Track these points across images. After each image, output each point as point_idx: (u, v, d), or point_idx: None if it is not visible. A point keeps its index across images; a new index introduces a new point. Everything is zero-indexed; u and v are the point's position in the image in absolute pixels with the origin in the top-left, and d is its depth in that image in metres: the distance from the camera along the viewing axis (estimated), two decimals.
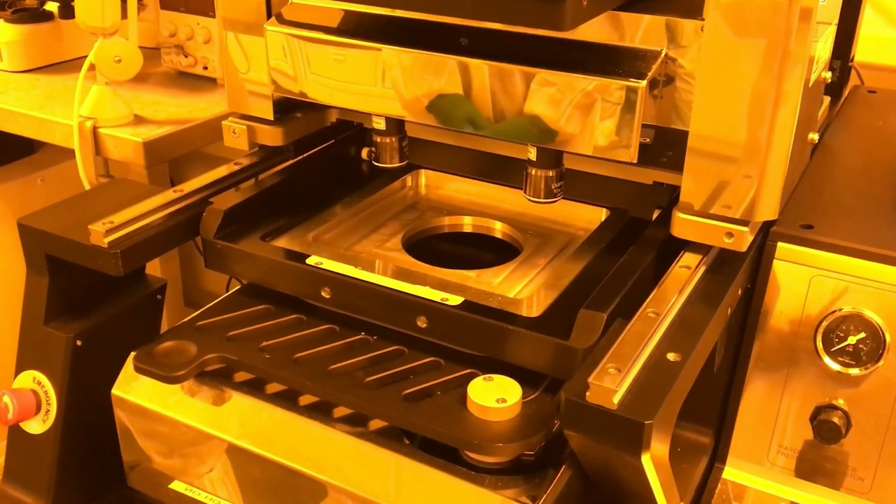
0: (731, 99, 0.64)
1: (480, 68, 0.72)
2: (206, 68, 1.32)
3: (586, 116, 0.69)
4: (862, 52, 1.06)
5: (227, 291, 0.83)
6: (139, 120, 1.20)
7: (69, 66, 1.40)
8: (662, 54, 0.69)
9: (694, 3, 0.68)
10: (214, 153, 1.25)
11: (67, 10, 1.37)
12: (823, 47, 0.76)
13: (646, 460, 0.56)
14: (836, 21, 0.81)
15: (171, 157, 1.20)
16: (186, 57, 1.32)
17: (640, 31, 0.70)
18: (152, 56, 1.34)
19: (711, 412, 0.78)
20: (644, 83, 0.67)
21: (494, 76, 0.72)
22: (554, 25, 0.59)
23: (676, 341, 0.62)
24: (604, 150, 0.70)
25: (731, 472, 0.78)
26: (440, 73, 0.74)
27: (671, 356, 0.60)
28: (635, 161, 0.70)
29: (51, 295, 0.78)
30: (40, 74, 1.37)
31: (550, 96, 0.70)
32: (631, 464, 0.56)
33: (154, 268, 1.19)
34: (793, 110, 0.65)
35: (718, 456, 0.79)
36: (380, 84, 0.77)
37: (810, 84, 0.70)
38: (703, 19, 0.65)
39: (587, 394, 0.56)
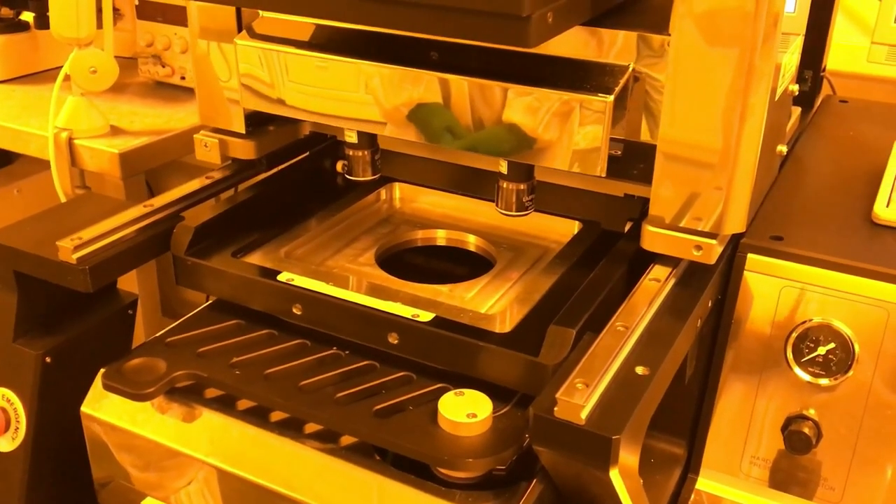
0: (698, 113, 0.64)
1: (449, 83, 0.72)
2: (183, 78, 1.31)
3: (554, 130, 0.70)
4: (834, 60, 1.07)
5: (207, 301, 0.82)
6: (115, 131, 1.19)
7: (45, 76, 1.39)
8: (630, 69, 0.69)
9: (662, 18, 0.68)
10: (193, 163, 1.24)
11: (43, 21, 1.36)
12: (790, 59, 0.76)
13: (614, 475, 0.56)
14: (803, 32, 0.82)
15: (147, 167, 1.20)
16: (164, 67, 1.31)
17: (609, 45, 0.70)
18: (129, 66, 1.33)
19: (684, 423, 0.79)
20: (611, 98, 0.67)
21: (462, 91, 0.72)
22: (520, 42, 0.59)
23: (645, 355, 0.62)
24: (573, 164, 0.70)
25: (705, 483, 0.78)
26: (411, 86, 0.74)
27: (640, 370, 0.60)
28: (604, 175, 0.70)
29: (20, 311, 0.77)
30: (16, 85, 1.36)
31: (518, 110, 0.70)
32: (600, 479, 0.56)
33: (130, 278, 1.18)
34: (759, 123, 0.65)
35: (691, 467, 0.79)
36: (347, 97, 0.77)
37: (777, 97, 0.70)
38: (669, 34, 0.66)
39: (555, 409, 0.56)
